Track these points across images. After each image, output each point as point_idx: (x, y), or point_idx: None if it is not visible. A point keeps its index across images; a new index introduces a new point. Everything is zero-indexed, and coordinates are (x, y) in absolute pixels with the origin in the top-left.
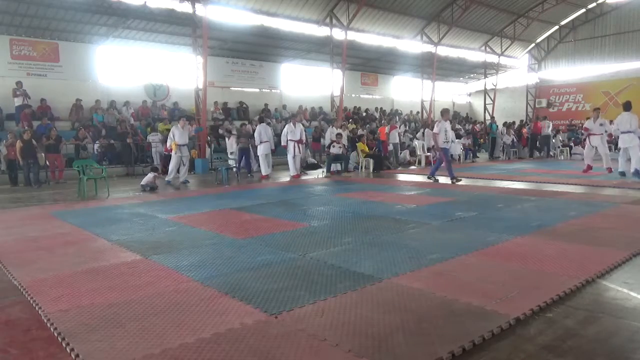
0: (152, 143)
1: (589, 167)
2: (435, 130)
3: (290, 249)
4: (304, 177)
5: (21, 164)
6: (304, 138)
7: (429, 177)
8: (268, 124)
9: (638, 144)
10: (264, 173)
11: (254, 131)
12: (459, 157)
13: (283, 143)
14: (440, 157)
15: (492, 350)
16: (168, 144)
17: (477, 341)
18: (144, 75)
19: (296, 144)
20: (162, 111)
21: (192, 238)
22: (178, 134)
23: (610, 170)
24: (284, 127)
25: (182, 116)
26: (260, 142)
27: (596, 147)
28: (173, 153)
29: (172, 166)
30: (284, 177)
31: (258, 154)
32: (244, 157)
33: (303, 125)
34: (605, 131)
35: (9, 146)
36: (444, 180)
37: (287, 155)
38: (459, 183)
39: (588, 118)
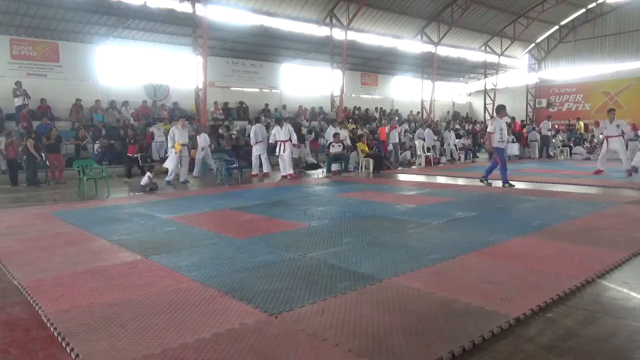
0: (154, 134)
1: (600, 171)
2: (490, 129)
3: (290, 249)
4: (304, 177)
5: (38, 160)
6: (294, 139)
7: (481, 180)
8: (268, 124)
9: None
10: (265, 170)
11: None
12: (459, 157)
13: (271, 142)
14: (494, 158)
15: (492, 350)
16: (170, 145)
17: (477, 341)
18: (144, 75)
19: (283, 144)
20: (162, 111)
21: (192, 238)
22: (178, 134)
23: (630, 172)
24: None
25: (181, 116)
26: (256, 142)
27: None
28: (173, 153)
29: (172, 166)
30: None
31: (253, 153)
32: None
33: (303, 125)
34: (622, 132)
35: (8, 146)
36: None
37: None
38: (505, 187)
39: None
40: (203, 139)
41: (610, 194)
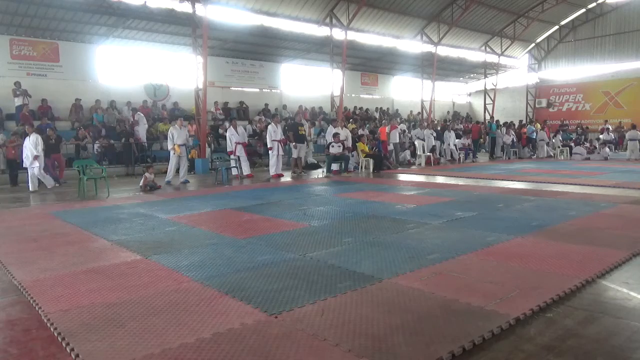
0: (139, 122)
1: None
2: None
3: (290, 249)
4: (304, 177)
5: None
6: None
7: None
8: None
9: None
10: (247, 172)
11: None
12: (459, 157)
13: (269, 144)
14: None
15: (492, 350)
16: (169, 146)
17: (477, 341)
18: (144, 75)
19: (279, 144)
20: (162, 111)
21: (192, 238)
22: (177, 134)
23: None
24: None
25: (179, 116)
26: (237, 143)
27: None
28: (172, 154)
29: (170, 167)
30: (284, 178)
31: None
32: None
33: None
34: None
35: (8, 146)
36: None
37: (271, 154)
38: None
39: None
40: (34, 143)
41: (610, 193)
